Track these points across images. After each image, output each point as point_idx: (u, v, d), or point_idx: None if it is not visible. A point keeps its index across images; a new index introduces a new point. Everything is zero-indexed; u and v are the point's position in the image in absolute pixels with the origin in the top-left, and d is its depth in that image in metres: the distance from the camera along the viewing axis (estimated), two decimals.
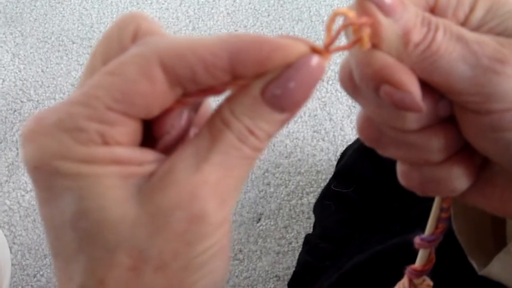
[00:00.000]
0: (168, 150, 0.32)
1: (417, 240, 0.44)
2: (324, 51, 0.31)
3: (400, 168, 0.38)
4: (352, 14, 0.32)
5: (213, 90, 0.31)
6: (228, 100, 0.31)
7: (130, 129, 0.30)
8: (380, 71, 0.32)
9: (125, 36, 0.32)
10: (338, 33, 0.31)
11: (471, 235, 0.46)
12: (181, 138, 0.33)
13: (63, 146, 0.29)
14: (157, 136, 0.32)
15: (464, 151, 0.35)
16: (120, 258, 0.29)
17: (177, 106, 0.31)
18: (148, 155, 0.31)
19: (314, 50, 0.30)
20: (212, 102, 0.34)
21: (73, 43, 1.80)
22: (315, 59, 0.30)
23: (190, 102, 0.32)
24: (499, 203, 0.37)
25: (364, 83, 0.33)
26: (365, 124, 0.37)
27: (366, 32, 0.32)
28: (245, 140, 0.30)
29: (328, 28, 0.31)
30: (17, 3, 1.92)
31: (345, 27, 0.32)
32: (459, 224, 0.46)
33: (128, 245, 0.29)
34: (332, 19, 0.31)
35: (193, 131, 0.33)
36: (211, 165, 0.30)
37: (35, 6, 1.91)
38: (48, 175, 0.29)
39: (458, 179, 0.36)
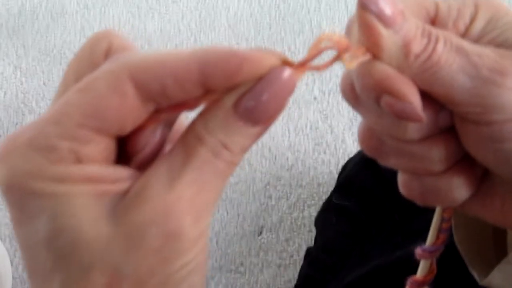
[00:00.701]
0: (143, 167, 0.31)
1: (418, 250, 0.44)
2: (297, 65, 0.31)
3: (401, 178, 0.38)
4: (336, 38, 0.32)
5: (186, 105, 0.31)
6: (201, 115, 0.31)
7: (103, 146, 0.30)
8: (381, 82, 0.32)
9: (97, 54, 0.32)
10: (316, 54, 0.31)
11: (472, 245, 0.46)
12: (156, 155, 0.33)
13: (35, 166, 0.29)
14: (131, 153, 0.32)
15: (464, 162, 0.36)
16: (96, 276, 0.29)
17: (151, 123, 0.31)
18: (122, 172, 0.31)
19: (286, 63, 0.30)
20: (187, 118, 0.34)
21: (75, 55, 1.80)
22: (287, 72, 0.30)
23: (164, 119, 0.32)
24: (499, 214, 0.37)
25: (365, 94, 0.33)
26: (366, 134, 0.37)
27: (347, 56, 0.32)
28: (219, 155, 0.30)
29: (312, 49, 0.32)
30: (19, 16, 1.92)
31: (324, 50, 0.32)
32: (460, 234, 0.46)
33: (103, 264, 0.29)
34: (317, 43, 0.32)
35: (168, 148, 0.33)
36: (185, 181, 0.30)
37: (37, 18, 1.91)
38: (21, 195, 0.29)
39: (458, 189, 0.36)
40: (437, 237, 0.43)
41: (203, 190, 0.30)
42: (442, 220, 0.42)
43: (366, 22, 0.31)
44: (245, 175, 1.52)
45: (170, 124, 0.34)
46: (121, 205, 0.30)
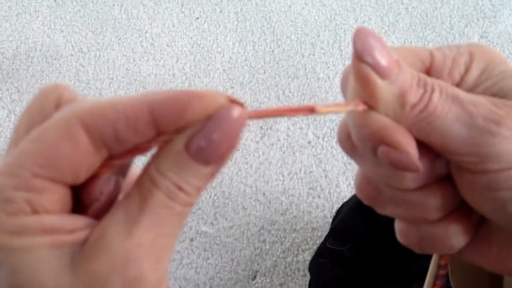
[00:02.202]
0: (100, 216, 0.31)
1: None
2: (251, 112, 0.31)
3: (398, 226, 0.38)
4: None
5: (139, 149, 0.31)
6: (154, 158, 0.31)
7: (58, 196, 0.30)
8: (378, 132, 0.32)
9: (48, 106, 0.32)
10: (265, 113, 0.32)
11: None
12: (112, 203, 0.32)
13: None
14: (87, 202, 0.32)
15: (461, 209, 0.36)
16: None
17: (104, 170, 0.31)
18: (79, 221, 0.30)
19: (233, 102, 0.30)
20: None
21: None
22: (236, 110, 0.30)
23: (117, 165, 0.32)
24: (496, 261, 0.37)
25: (362, 144, 0.34)
26: (363, 182, 0.37)
27: (321, 106, 0.32)
28: (174, 197, 0.30)
29: (281, 108, 0.32)
30: (14, 59, 1.93)
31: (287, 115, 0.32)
32: (457, 280, 0.46)
33: None
34: (289, 110, 0.32)
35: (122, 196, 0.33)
36: (143, 227, 0.29)
37: (31, 62, 1.92)
38: None
39: (456, 236, 0.36)
40: (434, 284, 0.43)
41: (161, 234, 0.30)
42: (439, 266, 0.42)
43: (362, 73, 0.32)
44: (239, 220, 1.51)
45: (124, 172, 0.34)
46: (80, 255, 0.29)
